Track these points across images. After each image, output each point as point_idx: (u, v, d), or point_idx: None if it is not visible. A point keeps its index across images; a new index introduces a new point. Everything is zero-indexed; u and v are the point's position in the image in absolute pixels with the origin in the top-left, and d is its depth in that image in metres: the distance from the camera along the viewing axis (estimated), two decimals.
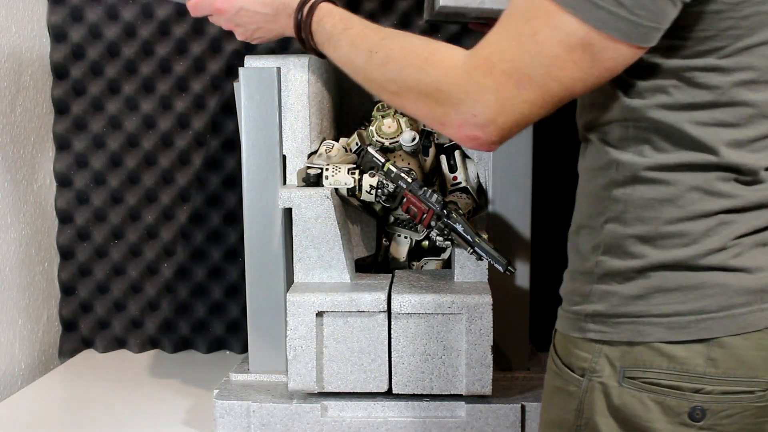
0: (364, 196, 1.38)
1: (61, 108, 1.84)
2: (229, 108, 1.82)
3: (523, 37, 0.78)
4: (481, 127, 0.82)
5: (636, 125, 0.84)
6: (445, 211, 1.30)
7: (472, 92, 0.81)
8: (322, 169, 1.39)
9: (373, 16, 1.79)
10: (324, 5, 1.06)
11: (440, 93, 0.84)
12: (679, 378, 0.83)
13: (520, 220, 1.43)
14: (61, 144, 1.84)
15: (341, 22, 1.03)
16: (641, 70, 0.82)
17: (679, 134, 0.81)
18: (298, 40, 1.10)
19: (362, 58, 0.96)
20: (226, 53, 1.81)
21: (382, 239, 1.50)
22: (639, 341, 0.84)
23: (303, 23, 1.07)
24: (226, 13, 1.19)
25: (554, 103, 0.81)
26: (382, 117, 1.43)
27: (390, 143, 1.42)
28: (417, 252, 1.51)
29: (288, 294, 1.33)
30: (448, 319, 1.30)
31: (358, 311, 1.31)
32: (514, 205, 1.43)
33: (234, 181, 1.83)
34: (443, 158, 1.47)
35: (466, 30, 1.80)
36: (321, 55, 1.08)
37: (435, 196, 1.31)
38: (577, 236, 0.93)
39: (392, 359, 1.32)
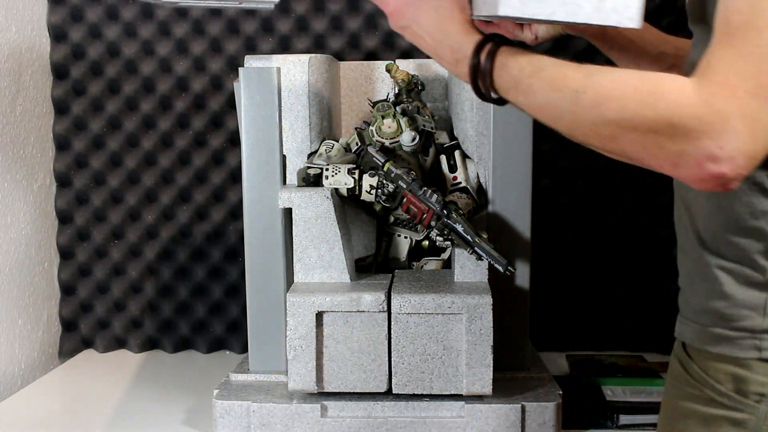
0: (364, 196, 1.38)
1: (61, 108, 1.84)
2: (229, 108, 1.82)
3: (761, 48, 0.71)
4: (728, 160, 0.71)
5: None
6: (445, 211, 1.30)
7: (715, 122, 0.71)
8: (322, 169, 1.39)
9: (372, 17, 1.80)
10: (505, 49, 0.89)
11: (674, 128, 0.73)
12: None
13: (520, 220, 1.43)
14: (61, 144, 1.84)
15: (529, 65, 0.87)
16: None
17: None
18: (472, 87, 0.92)
19: (566, 101, 0.82)
20: (226, 53, 1.81)
21: (382, 239, 1.50)
22: None
23: (481, 72, 0.90)
24: (399, 19, 0.97)
25: None
26: (382, 117, 1.43)
27: (390, 143, 1.42)
28: (417, 252, 1.51)
29: (288, 294, 1.33)
30: (448, 319, 1.30)
31: (358, 311, 1.31)
32: (514, 205, 1.43)
33: (234, 181, 1.84)
34: (443, 158, 1.47)
35: None
36: (500, 102, 0.92)
37: (435, 196, 1.31)
38: (729, 237, 0.82)
39: (392, 359, 1.32)
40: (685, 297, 0.88)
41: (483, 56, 0.89)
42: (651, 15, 1.86)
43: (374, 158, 1.38)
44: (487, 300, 1.29)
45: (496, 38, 0.89)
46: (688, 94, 0.73)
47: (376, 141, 1.43)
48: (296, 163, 1.44)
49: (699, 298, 0.85)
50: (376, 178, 1.36)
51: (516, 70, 0.87)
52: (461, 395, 1.33)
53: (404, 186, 1.33)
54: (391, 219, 1.49)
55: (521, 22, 1.24)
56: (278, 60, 1.42)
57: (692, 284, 0.87)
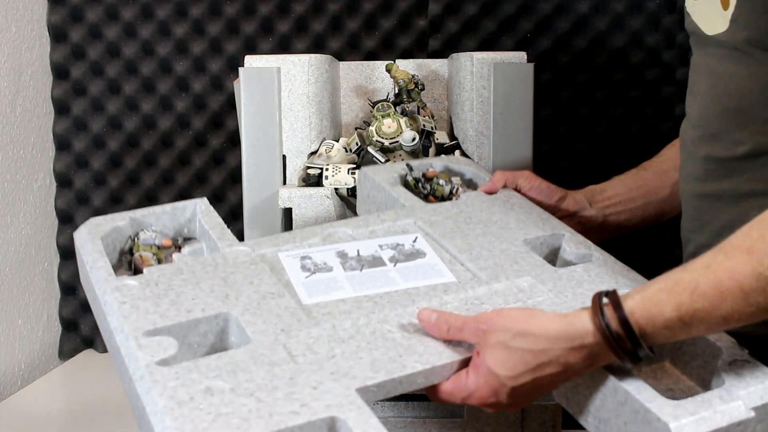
0: None
1: (61, 108, 1.84)
2: (229, 107, 1.82)
3: None
4: None
5: None
6: None
7: None
8: (322, 169, 1.39)
9: (373, 17, 1.80)
10: (630, 313, 0.73)
11: None
12: None
13: None
14: (61, 144, 1.84)
15: (672, 309, 0.71)
16: None
17: None
18: (622, 358, 0.75)
19: (739, 301, 0.69)
20: (226, 53, 1.81)
21: None
22: None
23: (631, 350, 0.73)
24: (496, 398, 0.79)
25: None
26: (382, 117, 1.43)
27: (390, 143, 1.42)
28: None
29: None
30: None
31: None
32: None
33: (234, 181, 1.84)
34: None
35: (467, 29, 1.80)
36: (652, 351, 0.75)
37: None
38: None
39: None
40: None
41: (611, 316, 0.73)
42: (651, 15, 1.88)
43: (374, 158, 1.38)
44: None
45: (597, 298, 0.75)
46: None
47: (376, 141, 1.43)
48: (296, 163, 1.44)
49: None
50: None
51: (662, 327, 0.72)
52: None
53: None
54: None
55: None
56: (278, 60, 1.42)
57: None
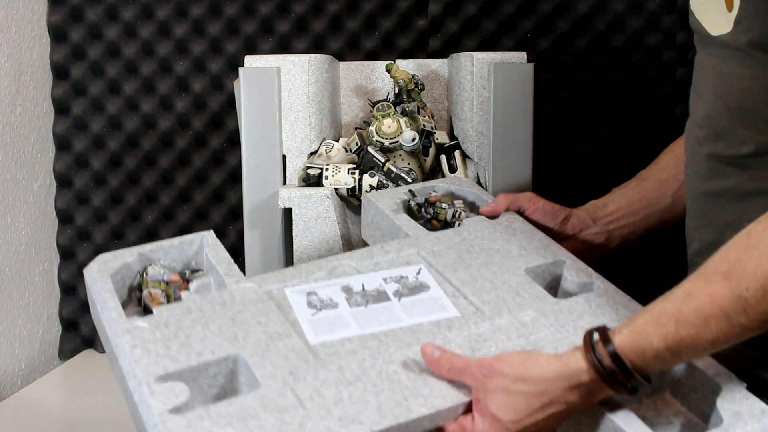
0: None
1: (61, 108, 1.84)
2: (229, 107, 1.82)
3: None
4: None
5: None
6: None
7: None
8: (322, 169, 1.39)
9: (373, 17, 1.80)
10: (620, 348, 0.75)
11: None
12: None
13: None
14: (61, 144, 1.84)
15: (659, 339, 0.74)
16: None
17: None
18: (617, 390, 0.77)
19: (723, 324, 0.71)
20: (226, 53, 1.81)
21: None
22: None
23: (625, 383, 0.76)
24: None
25: None
26: (382, 117, 1.43)
27: (390, 143, 1.42)
28: None
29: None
30: None
31: None
32: None
33: (234, 181, 1.84)
34: (443, 158, 1.47)
35: (467, 29, 1.80)
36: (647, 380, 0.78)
37: None
38: None
39: None
40: None
41: (602, 352, 0.75)
42: (651, 15, 1.88)
43: (374, 158, 1.38)
44: None
45: (588, 336, 0.77)
46: None
47: (376, 141, 1.43)
48: (296, 163, 1.44)
49: None
50: (376, 178, 1.36)
51: (653, 360, 0.74)
52: None
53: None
54: None
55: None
56: (278, 60, 1.42)
57: None
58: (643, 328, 0.74)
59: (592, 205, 1.15)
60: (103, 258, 1.02)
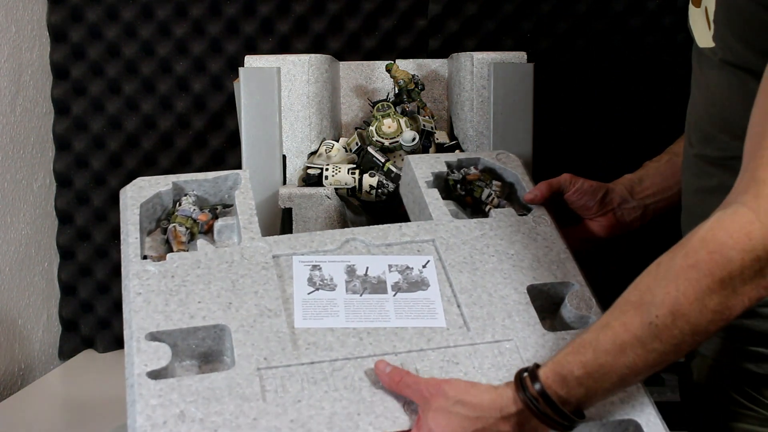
0: (364, 196, 1.38)
1: (61, 108, 1.84)
2: (229, 107, 1.82)
3: None
4: None
5: None
6: None
7: None
8: (322, 169, 1.39)
9: (373, 17, 1.80)
10: (544, 381, 0.80)
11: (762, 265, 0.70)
12: None
13: None
14: (61, 144, 1.84)
15: (579, 367, 0.78)
16: None
17: None
18: (551, 425, 0.82)
19: (648, 341, 0.74)
20: (226, 53, 1.81)
21: None
22: None
23: (552, 416, 0.80)
24: None
25: None
26: (382, 117, 1.43)
27: (390, 143, 1.42)
28: None
29: None
30: None
31: None
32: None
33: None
34: None
35: (467, 29, 1.80)
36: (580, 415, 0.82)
37: None
38: None
39: None
40: None
41: (542, 406, 0.79)
42: (651, 15, 1.88)
43: (374, 158, 1.38)
44: None
45: (519, 372, 0.83)
46: (750, 229, 0.69)
47: (376, 141, 1.43)
48: (296, 163, 1.44)
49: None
50: (376, 178, 1.36)
51: (577, 389, 0.78)
52: None
53: None
54: None
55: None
56: (278, 60, 1.42)
57: None
58: (564, 358, 0.79)
59: (628, 180, 1.17)
60: (139, 182, 1.08)
